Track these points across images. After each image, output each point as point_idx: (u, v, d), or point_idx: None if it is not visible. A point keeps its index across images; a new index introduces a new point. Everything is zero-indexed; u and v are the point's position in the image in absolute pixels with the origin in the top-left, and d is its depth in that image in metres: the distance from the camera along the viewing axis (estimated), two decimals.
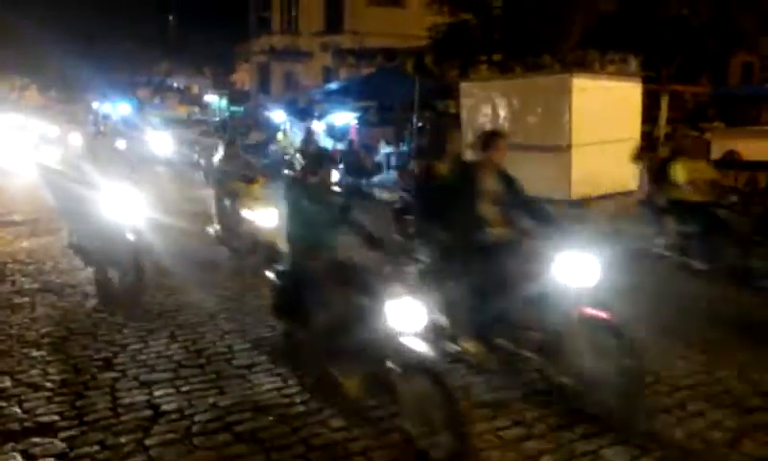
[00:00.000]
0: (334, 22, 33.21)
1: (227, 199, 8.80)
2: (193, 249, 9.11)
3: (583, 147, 12.54)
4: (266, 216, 8.08)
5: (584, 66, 15.79)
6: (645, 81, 14.95)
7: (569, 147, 12.46)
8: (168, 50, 41.25)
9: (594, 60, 17.93)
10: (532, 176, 12.69)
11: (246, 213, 8.31)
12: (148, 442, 4.07)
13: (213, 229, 9.02)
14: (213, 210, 9.16)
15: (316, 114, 20.12)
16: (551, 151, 12.70)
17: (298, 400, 4.62)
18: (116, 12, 35.30)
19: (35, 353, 5.51)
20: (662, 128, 17.53)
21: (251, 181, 8.66)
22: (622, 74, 16.32)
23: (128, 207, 7.07)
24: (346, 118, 19.21)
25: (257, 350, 5.55)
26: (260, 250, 7.70)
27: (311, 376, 4.81)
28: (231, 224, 8.66)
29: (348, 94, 21.00)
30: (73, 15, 33.67)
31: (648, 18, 15.94)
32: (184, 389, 4.82)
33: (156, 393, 4.74)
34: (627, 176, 13.33)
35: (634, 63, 18.22)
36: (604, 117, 12.81)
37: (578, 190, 12.49)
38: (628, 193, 12.79)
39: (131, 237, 6.89)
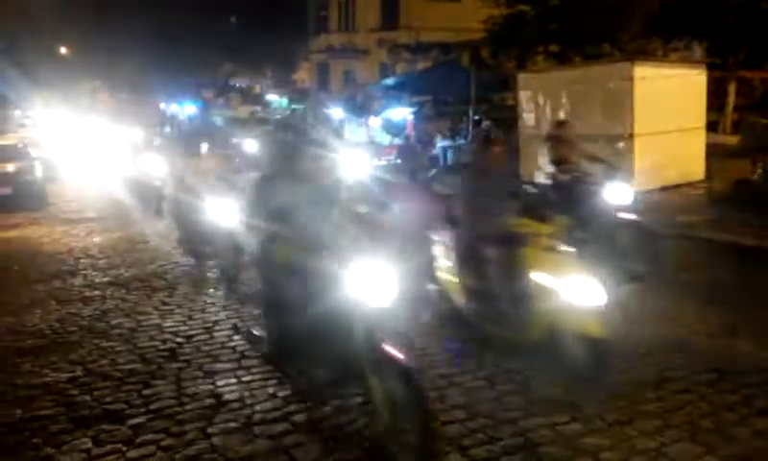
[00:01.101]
0: (390, 18, 33.29)
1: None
2: None
3: (646, 136, 12.18)
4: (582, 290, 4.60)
5: (645, 55, 15.30)
6: (711, 68, 14.40)
7: (632, 136, 12.12)
8: (231, 51, 42.23)
9: (656, 48, 17.36)
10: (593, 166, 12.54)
11: (539, 279, 4.86)
12: (210, 430, 4.21)
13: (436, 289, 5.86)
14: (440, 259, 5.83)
15: (373, 110, 20.24)
16: (612, 141, 12.38)
17: (355, 391, 4.68)
18: (182, 16, 36.39)
19: (104, 344, 5.78)
20: (729, 116, 16.85)
21: (542, 218, 5.08)
22: (686, 61, 15.74)
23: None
24: (402, 113, 19.24)
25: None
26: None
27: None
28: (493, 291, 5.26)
29: (404, 89, 21.02)
30: (141, 19, 34.87)
31: (713, 3, 15.34)
32: (246, 379, 4.95)
33: (219, 383, 4.90)
34: (694, 166, 12.94)
35: (699, 50, 17.54)
36: (667, 106, 12.41)
37: (641, 181, 12.11)
38: (695, 184, 12.38)
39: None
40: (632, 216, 7.05)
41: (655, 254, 6.86)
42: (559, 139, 7.46)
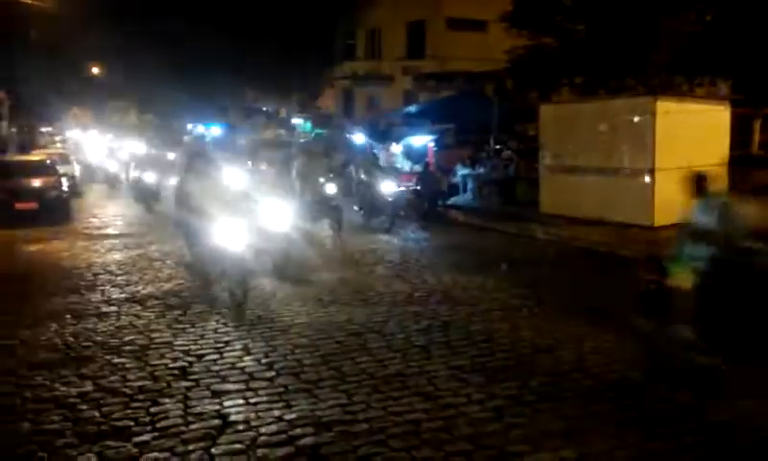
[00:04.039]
0: (416, 47, 33.54)
1: None
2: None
3: (667, 171, 12.07)
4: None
5: (670, 90, 15.25)
6: (736, 105, 14.29)
7: (652, 171, 12.04)
8: (258, 76, 42.90)
9: (681, 83, 17.27)
10: (613, 200, 12.47)
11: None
12: (214, 451, 4.21)
13: None
14: None
15: (395, 136, 20.32)
16: (633, 175, 12.32)
17: (361, 417, 4.66)
18: (210, 40, 37.12)
19: (116, 360, 5.82)
20: (755, 153, 16.63)
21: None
22: (710, 98, 15.64)
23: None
24: (423, 140, 19.30)
25: (325, 365, 5.65)
26: None
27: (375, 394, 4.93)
28: None
29: (426, 117, 21.09)
30: (170, 44, 35.64)
31: (738, 41, 15.25)
32: (253, 400, 4.96)
33: (226, 403, 4.91)
34: None
35: (724, 87, 17.41)
36: (690, 141, 12.31)
37: (662, 216, 12.01)
38: None
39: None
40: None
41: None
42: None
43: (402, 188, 14.74)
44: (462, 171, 18.03)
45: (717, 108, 13.44)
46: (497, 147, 18.31)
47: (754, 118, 16.88)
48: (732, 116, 13.39)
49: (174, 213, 9.49)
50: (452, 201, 16.77)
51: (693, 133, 12.39)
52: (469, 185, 17.69)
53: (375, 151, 19.50)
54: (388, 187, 13.66)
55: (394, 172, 15.71)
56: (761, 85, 16.20)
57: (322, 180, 12.30)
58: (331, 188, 12.62)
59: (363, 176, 14.65)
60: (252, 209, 9.13)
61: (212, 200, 7.86)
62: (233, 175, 12.26)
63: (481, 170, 17.72)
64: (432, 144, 18.76)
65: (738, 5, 15.65)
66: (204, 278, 8.39)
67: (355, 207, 14.37)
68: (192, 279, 8.83)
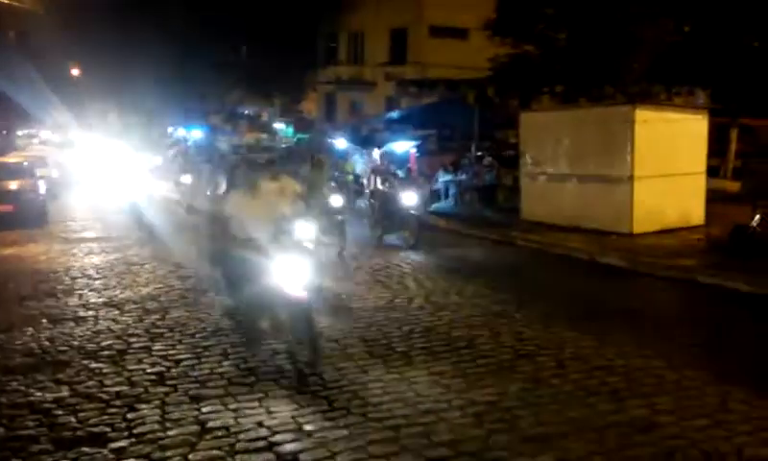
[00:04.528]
0: (398, 53, 33.66)
1: None
2: None
3: (645, 179, 12.22)
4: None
5: (648, 98, 15.44)
6: (713, 113, 14.50)
7: (631, 179, 12.16)
8: (240, 79, 42.73)
9: (660, 92, 17.51)
10: (593, 207, 12.58)
11: None
12: (192, 457, 4.16)
13: None
14: None
15: (377, 142, 20.35)
16: (612, 182, 12.43)
17: (341, 423, 4.64)
18: (192, 43, 36.95)
19: (93, 365, 5.75)
20: (731, 162, 16.92)
21: None
22: (689, 106, 15.86)
23: None
24: (405, 146, 19.34)
25: (306, 372, 5.61)
26: None
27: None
28: None
29: (408, 122, 21.15)
30: (151, 45, 35.37)
31: (716, 50, 15.52)
32: (232, 406, 4.91)
33: (205, 409, 4.86)
34: (693, 210, 12.96)
35: (702, 96, 17.70)
36: (668, 150, 12.48)
37: (640, 224, 12.15)
38: (692, 228, 12.38)
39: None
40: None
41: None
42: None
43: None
44: (443, 177, 18.09)
45: (695, 116, 13.62)
46: (479, 154, 18.40)
47: (731, 127, 17.18)
48: (709, 125, 13.57)
49: (207, 242, 7.34)
50: (434, 207, 16.80)
51: (671, 141, 12.55)
52: (451, 191, 17.75)
53: (358, 156, 19.53)
54: (410, 198, 11.89)
55: (413, 181, 14.29)
56: (739, 95, 16.51)
57: (325, 190, 10.81)
58: (337, 200, 11.13)
59: (378, 185, 12.76)
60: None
61: (266, 227, 5.84)
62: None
63: (463, 176, 17.78)
64: (414, 150, 18.80)
65: (716, 15, 15.93)
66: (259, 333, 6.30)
67: (365, 220, 12.99)
68: (172, 285, 8.75)
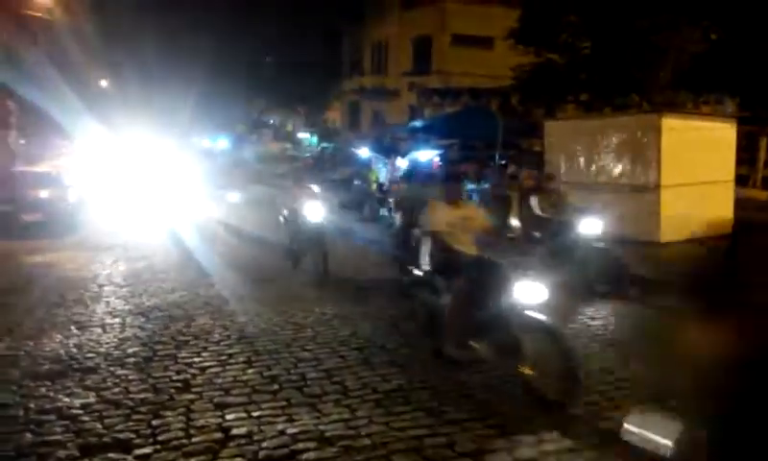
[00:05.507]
0: (422, 63, 33.79)
1: None
2: None
3: (672, 188, 12.08)
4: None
5: (674, 107, 15.28)
6: (742, 122, 14.29)
7: (658, 187, 12.03)
8: (265, 89, 43.18)
9: (686, 101, 17.32)
10: (619, 216, 12.45)
11: None
12: None
13: None
14: None
15: (400, 151, 20.39)
16: (639, 191, 12.30)
17: (363, 432, 4.64)
18: (218, 53, 37.41)
19: (119, 372, 5.81)
20: (760, 171, 16.65)
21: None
22: (716, 115, 15.65)
23: None
24: (428, 155, 19.33)
25: (329, 380, 5.63)
26: None
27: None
28: None
29: (431, 132, 21.15)
30: (178, 56, 35.92)
31: (744, 58, 15.31)
32: (255, 414, 4.94)
33: (229, 416, 4.89)
34: (721, 219, 12.75)
35: (730, 105, 17.45)
36: (695, 158, 12.33)
37: (668, 232, 12.00)
38: (720, 237, 12.18)
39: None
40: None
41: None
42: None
43: None
44: (467, 186, 18.03)
45: (723, 125, 13.44)
46: (503, 163, 18.34)
47: (760, 135, 16.91)
48: (738, 133, 13.37)
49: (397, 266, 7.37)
50: None
51: (699, 149, 12.40)
52: (475, 200, 17.69)
53: (381, 165, 19.54)
54: None
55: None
56: (766, 103, 16.25)
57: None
58: (315, 211, 9.67)
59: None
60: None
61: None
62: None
63: (486, 185, 17.71)
64: (437, 159, 18.79)
65: (744, 23, 15.72)
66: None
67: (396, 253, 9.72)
68: (198, 292, 8.84)
